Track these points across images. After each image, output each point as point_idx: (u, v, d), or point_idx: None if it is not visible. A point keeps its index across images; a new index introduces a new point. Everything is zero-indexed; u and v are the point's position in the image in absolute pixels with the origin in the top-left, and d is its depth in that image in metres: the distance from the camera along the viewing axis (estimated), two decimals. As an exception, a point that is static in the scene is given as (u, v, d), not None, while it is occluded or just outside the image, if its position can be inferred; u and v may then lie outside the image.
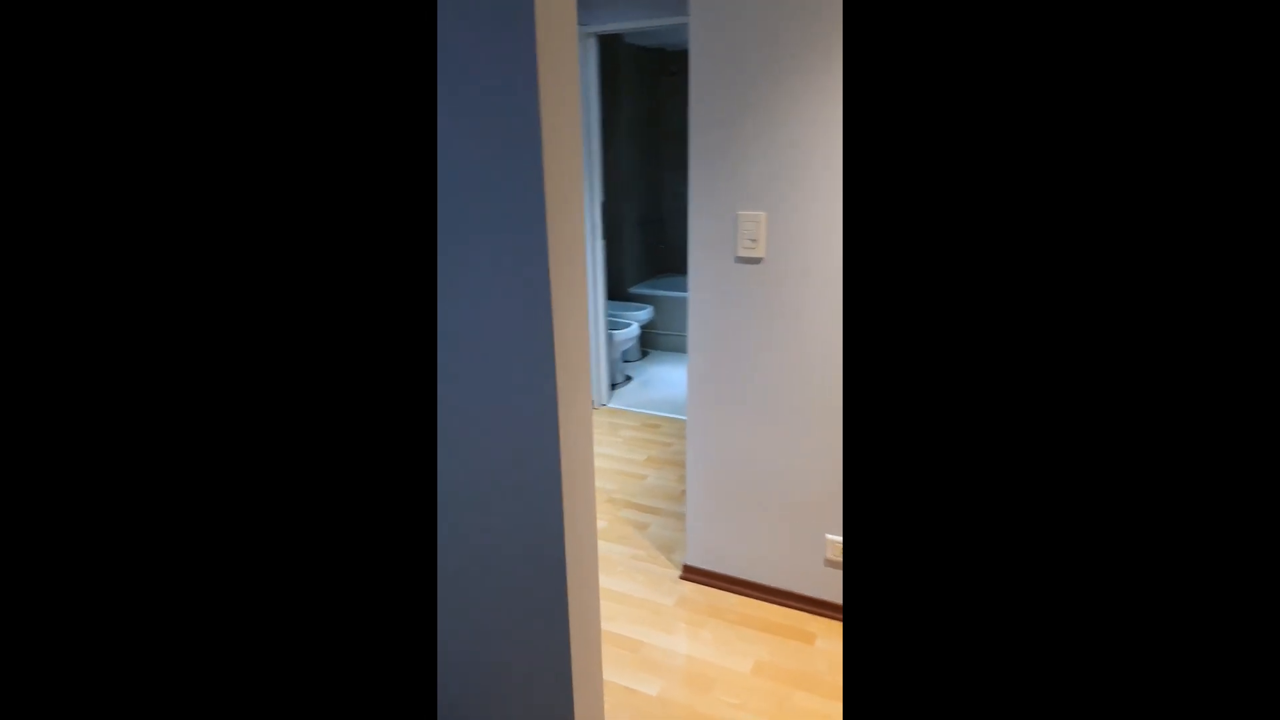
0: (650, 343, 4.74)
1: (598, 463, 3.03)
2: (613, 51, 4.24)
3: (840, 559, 1.91)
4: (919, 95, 0.50)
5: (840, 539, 1.90)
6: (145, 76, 0.51)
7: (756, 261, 1.81)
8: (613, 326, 3.97)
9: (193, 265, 0.53)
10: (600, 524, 2.52)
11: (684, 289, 4.57)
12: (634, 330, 3.99)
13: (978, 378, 0.50)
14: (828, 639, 1.91)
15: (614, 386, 4.00)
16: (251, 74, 0.54)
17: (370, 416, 0.58)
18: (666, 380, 4.14)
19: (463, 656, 1.22)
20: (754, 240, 1.79)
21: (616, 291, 4.72)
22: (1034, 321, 0.48)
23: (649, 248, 4.98)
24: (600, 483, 2.85)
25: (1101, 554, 0.48)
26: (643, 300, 4.69)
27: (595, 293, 3.51)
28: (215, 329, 0.54)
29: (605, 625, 1.97)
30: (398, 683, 0.58)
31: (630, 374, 4.25)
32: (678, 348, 4.64)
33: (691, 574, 2.17)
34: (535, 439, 1.02)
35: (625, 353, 4.47)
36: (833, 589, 1.97)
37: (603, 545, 2.38)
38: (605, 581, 2.17)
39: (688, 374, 2.01)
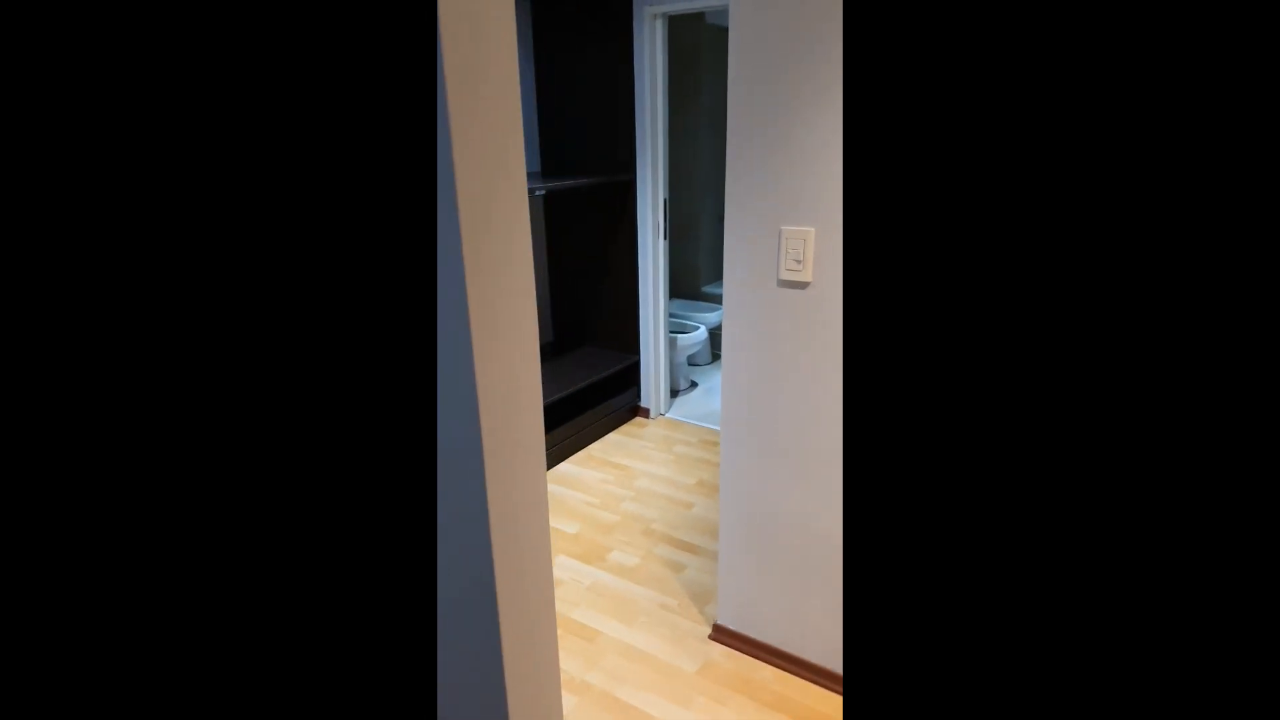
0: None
1: (643, 483, 2.80)
2: (691, 34, 3.92)
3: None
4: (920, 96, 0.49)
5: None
6: (141, 49, 0.49)
7: (802, 286, 1.50)
8: (679, 330, 3.71)
9: (184, 247, 0.51)
10: (632, 561, 2.29)
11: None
12: (700, 335, 3.71)
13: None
14: (873, 738, 1.60)
15: (675, 394, 3.74)
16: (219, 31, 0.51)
17: (367, 414, 0.56)
18: (734, 390, 3.83)
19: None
20: (799, 261, 1.48)
21: (689, 291, 4.45)
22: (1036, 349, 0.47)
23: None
24: (641, 509, 2.61)
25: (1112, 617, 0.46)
26: (716, 301, 4.39)
27: (657, 293, 3.26)
28: (209, 321, 0.52)
29: (613, 689, 1.74)
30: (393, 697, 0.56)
31: (696, 380, 3.97)
32: (751, 353, 4.32)
33: (722, 635, 1.90)
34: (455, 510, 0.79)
35: (693, 356, 4.20)
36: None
37: (630, 588, 2.15)
38: (624, 634, 1.95)
39: (721, 413, 1.73)
